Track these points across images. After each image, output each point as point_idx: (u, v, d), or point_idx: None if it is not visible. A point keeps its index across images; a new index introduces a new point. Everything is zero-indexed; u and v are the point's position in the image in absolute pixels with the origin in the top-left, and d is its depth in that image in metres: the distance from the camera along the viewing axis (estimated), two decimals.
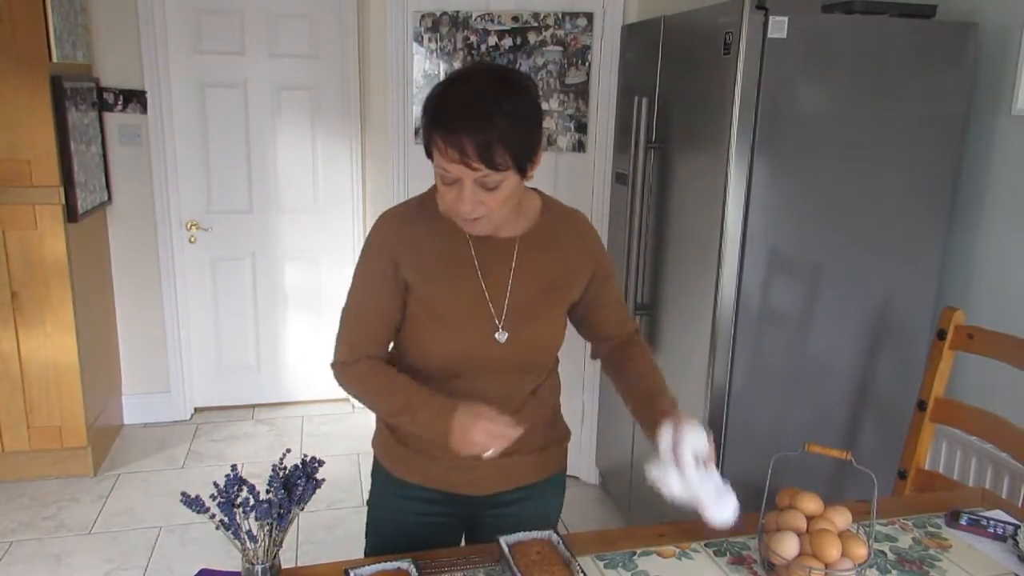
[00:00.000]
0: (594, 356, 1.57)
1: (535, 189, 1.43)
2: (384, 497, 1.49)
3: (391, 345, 1.42)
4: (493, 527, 1.35)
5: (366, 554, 1.50)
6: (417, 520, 1.45)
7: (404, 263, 1.32)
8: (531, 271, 1.36)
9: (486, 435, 1.23)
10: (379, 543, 1.49)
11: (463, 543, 1.52)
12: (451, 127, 1.16)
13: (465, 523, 1.52)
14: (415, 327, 1.36)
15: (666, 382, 1.46)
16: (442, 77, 3.38)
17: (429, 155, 1.23)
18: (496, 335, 1.33)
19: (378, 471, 1.50)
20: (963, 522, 1.45)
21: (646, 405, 1.39)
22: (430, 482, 1.43)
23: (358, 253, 1.38)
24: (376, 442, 1.51)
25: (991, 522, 1.45)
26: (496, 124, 1.16)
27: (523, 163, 1.21)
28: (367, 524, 1.52)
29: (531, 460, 1.44)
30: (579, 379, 3.20)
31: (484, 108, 1.16)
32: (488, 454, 1.24)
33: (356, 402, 3.79)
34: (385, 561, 1.22)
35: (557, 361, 1.50)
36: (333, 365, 1.40)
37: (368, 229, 1.39)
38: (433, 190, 1.37)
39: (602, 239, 2.60)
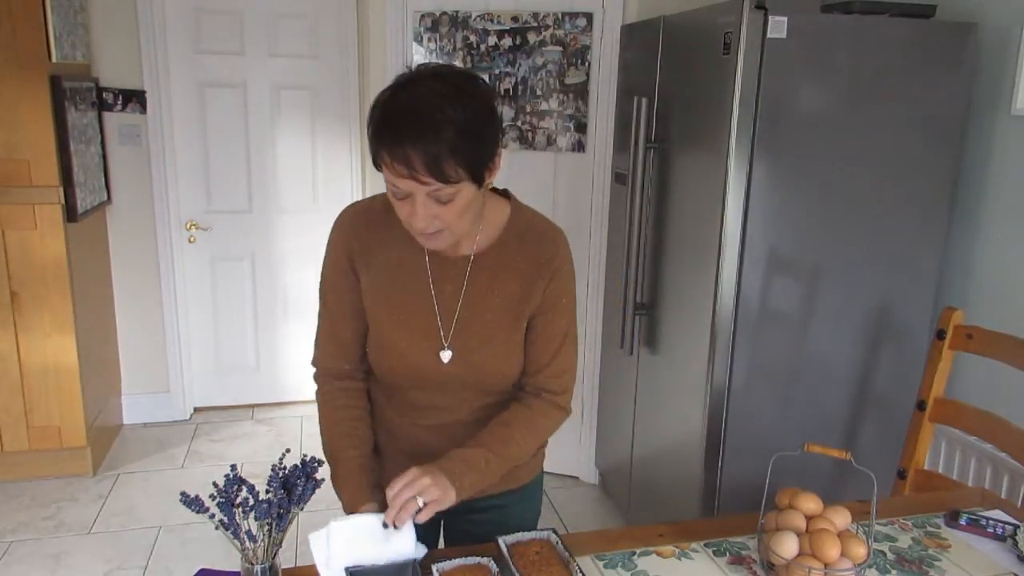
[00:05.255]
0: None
1: (508, 197, 1.35)
2: None
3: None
4: (468, 533, 1.34)
5: None
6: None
7: (359, 263, 1.31)
8: (482, 293, 1.30)
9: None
10: None
11: (441, 545, 1.50)
12: (396, 140, 1.09)
13: (437, 527, 1.50)
14: (368, 336, 1.35)
15: (505, 453, 1.30)
16: None
17: (377, 167, 1.16)
18: (441, 354, 1.30)
19: None
20: (962, 522, 1.45)
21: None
22: (382, 479, 1.42)
23: None
24: None
25: (990, 522, 1.45)
26: (443, 134, 1.08)
27: (478, 172, 1.14)
28: None
29: None
30: (579, 379, 3.20)
31: (430, 117, 1.08)
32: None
33: None
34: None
35: None
36: (314, 369, 1.40)
37: None
38: None
39: (600, 238, 2.56)
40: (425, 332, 1.30)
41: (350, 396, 1.38)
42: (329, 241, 1.35)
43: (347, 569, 1.15)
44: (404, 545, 1.17)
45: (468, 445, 1.28)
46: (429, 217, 1.15)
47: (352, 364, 1.38)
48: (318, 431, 1.40)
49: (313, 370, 1.41)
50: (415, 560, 1.19)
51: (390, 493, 1.17)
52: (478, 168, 1.14)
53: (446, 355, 1.30)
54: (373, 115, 1.14)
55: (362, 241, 1.31)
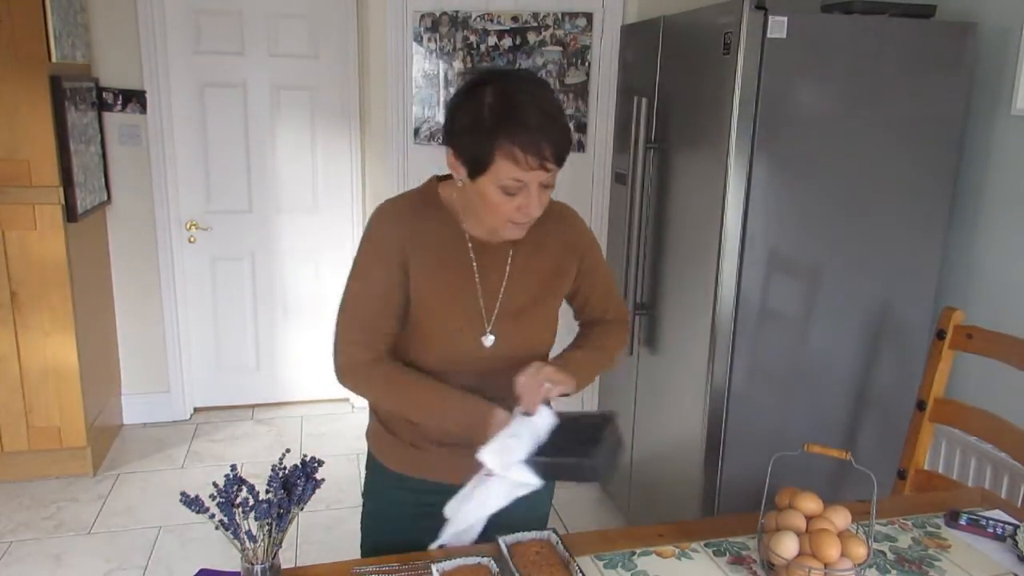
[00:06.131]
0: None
1: None
2: (377, 488, 1.50)
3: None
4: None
5: (362, 546, 1.52)
6: (409, 511, 1.45)
7: (410, 258, 1.32)
8: (525, 277, 1.37)
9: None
10: (373, 535, 1.50)
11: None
12: (528, 133, 1.16)
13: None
14: (410, 329, 1.36)
15: (599, 355, 1.46)
16: (442, 77, 3.38)
17: (481, 171, 1.20)
18: (483, 339, 1.35)
19: (372, 463, 1.51)
20: (962, 522, 1.45)
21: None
22: (418, 471, 1.43)
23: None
24: (369, 434, 1.51)
25: (990, 522, 1.45)
26: (562, 122, 1.20)
27: None
28: (362, 516, 1.53)
29: None
30: None
31: (551, 108, 1.20)
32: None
33: (356, 402, 3.82)
34: (389, 561, 1.22)
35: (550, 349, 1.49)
36: (342, 367, 1.34)
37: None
38: (430, 185, 1.37)
39: (600, 238, 2.57)
40: (469, 319, 1.34)
41: (390, 362, 1.35)
42: (371, 236, 1.32)
43: (525, 461, 1.21)
44: (544, 424, 1.25)
45: (561, 353, 1.41)
46: (540, 204, 1.24)
47: (377, 355, 1.34)
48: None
49: (347, 371, 1.35)
50: (612, 415, 1.29)
51: (518, 386, 1.25)
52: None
53: (488, 340, 1.35)
54: (483, 117, 1.18)
55: (413, 230, 1.32)
